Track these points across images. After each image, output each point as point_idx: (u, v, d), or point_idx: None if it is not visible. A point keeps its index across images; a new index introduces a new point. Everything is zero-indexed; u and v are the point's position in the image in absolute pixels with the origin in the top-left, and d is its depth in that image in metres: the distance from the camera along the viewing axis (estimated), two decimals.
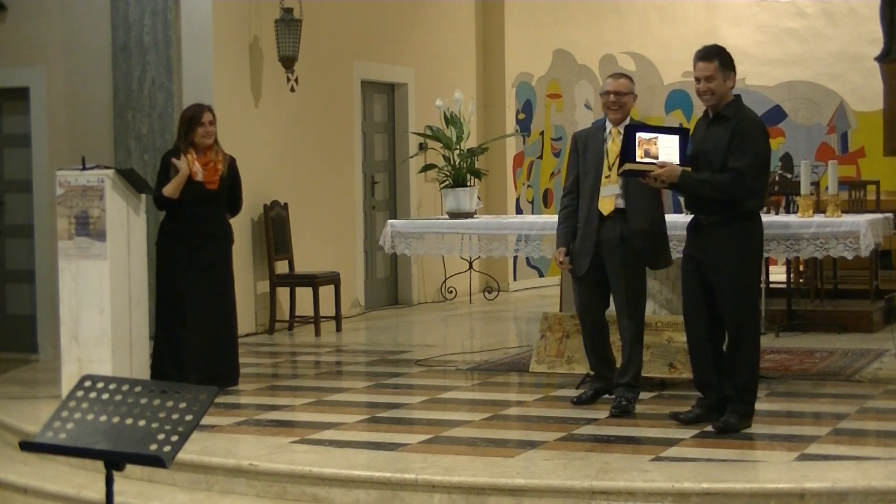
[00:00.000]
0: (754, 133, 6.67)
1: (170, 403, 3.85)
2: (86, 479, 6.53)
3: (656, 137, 6.74)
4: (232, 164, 8.39)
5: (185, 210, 8.11)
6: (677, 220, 8.06)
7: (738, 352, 6.68)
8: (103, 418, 3.86)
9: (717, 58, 6.89)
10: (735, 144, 6.60)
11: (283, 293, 11.49)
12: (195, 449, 6.29)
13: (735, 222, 6.62)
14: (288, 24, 11.39)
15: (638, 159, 6.71)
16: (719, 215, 6.65)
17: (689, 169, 6.65)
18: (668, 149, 6.70)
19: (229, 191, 8.38)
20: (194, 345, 8.05)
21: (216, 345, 8.20)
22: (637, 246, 7.18)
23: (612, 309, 7.48)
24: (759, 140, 6.66)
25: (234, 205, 8.51)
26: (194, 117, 8.15)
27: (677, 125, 8.34)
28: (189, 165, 8.06)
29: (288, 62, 11.47)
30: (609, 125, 7.30)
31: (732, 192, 6.57)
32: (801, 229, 7.76)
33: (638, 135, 6.76)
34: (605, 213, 7.21)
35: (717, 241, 6.64)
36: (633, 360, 7.25)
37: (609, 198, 7.20)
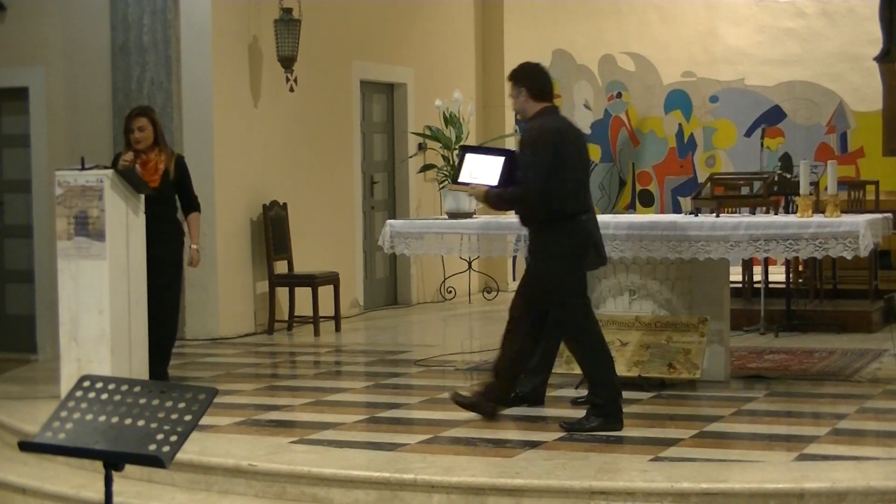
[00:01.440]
0: (533, 142, 6.95)
1: (169, 403, 3.85)
2: (85, 479, 6.53)
3: (483, 158, 7.37)
4: (179, 163, 8.40)
5: None
6: (677, 221, 8.07)
7: (573, 353, 7.01)
8: (102, 418, 3.86)
9: (513, 77, 7.28)
10: (520, 156, 7.03)
11: (282, 293, 11.49)
12: (194, 449, 6.28)
13: (544, 228, 6.92)
14: (287, 24, 11.39)
15: (463, 179, 7.34)
16: (531, 223, 7.03)
17: (498, 188, 7.10)
18: (490, 170, 7.21)
19: (179, 189, 8.38)
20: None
21: (155, 343, 8.14)
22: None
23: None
24: (538, 148, 6.87)
25: (189, 203, 8.54)
26: (126, 122, 8.34)
27: (510, 148, 8.79)
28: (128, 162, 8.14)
29: (287, 62, 11.47)
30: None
31: (520, 201, 7.00)
32: (800, 229, 7.76)
33: (467, 156, 7.40)
34: None
35: (531, 246, 7.07)
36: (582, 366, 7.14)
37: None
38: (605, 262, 7.22)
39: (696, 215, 8.48)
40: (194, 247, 8.54)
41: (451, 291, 13.80)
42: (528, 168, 6.85)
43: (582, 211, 6.97)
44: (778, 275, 11.37)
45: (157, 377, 8.11)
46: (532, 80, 7.23)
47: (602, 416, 6.76)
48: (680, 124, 16.70)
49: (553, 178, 6.82)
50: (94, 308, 7.73)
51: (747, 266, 11.34)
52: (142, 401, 3.88)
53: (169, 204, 8.41)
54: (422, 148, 12.66)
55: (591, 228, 7.00)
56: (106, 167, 7.94)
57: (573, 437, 6.64)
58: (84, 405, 3.91)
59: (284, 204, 11.59)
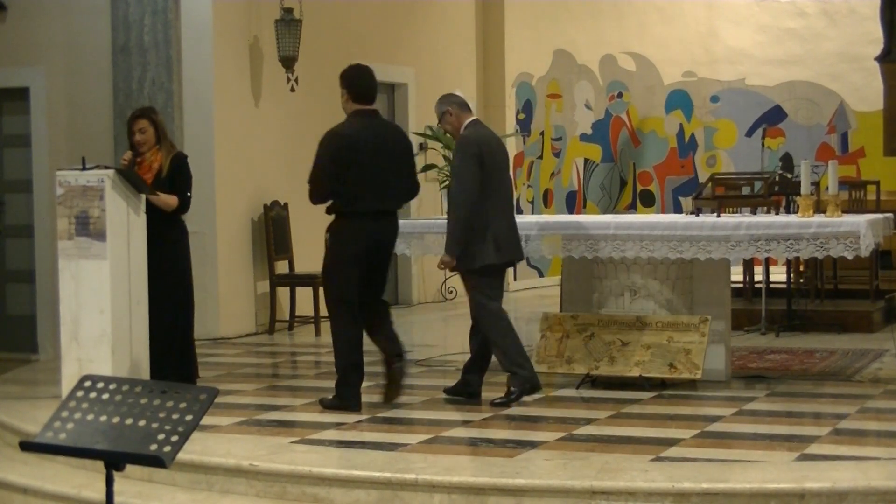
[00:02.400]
0: (319, 143, 7.80)
1: (170, 403, 3.85)
2: (86, 479, 6.53)
3: None
4: (175, 160, 8.25)
5: None
6: (677, 221, 8.08)
7: None
8: (103, 418, 3.86)
9: (340, 77, 8.17)
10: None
11: (283, 293, 11.48)
12: (195, 449, 6.28)
13: (332, 225, 7.60)
14: (288, 24, 11.39)
15: None
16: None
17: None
18: None
19: (171, 187, 8.20)
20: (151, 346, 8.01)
21: (166, 348, 8.08)
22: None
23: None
24: (320, 150, 7.70)
25: (179, 201, 8.29)
26: (128, 126, 8.30)
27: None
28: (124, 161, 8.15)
29: (288, 62, 11.47)
30: None
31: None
32: (801, 229, 7.76)
33: None
34: None
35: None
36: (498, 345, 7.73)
37: None
38: (511, 257, 7.75)
39: (697, 215, 8.49)
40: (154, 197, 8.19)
41: (451, 291, 13.79)
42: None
43: (372, 211, 7.43)
44: (779, 275, 11.37)
45: (179, 378, 7.98)
46: (352, 82, 8.08)
47: (338, 397, 7.49)
48: (681, 124, 16.71)
49: (336, 179, 7.44)
50: (95, 308, 7.73)
51: (748, 266, 11.34)
52: (143, 401, 3.88)
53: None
54: (422, 148, 12.65)
55: (379, 229, 7.50)
56: (107, 167, 7.93)
57: (573, 437, 6.64)
58: (85, 405, 3.91)
59: (285, 204, 11.59)
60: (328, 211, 7.59)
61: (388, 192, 7.55)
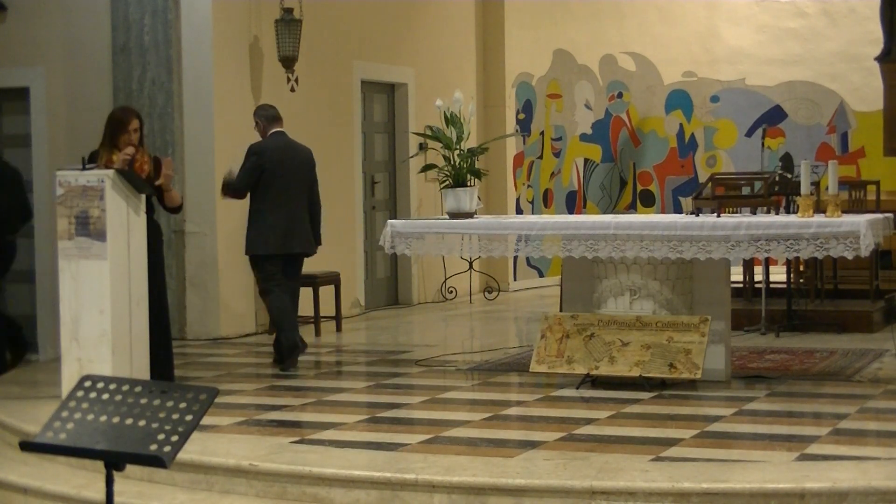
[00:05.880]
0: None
1: (170, 403, 3.85)
2: (86, 479, 6.53)
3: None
4: (155, 161, 8.25)
5: None
6: (677, 221, 8.08)
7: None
8: (103, 418, 3.86)
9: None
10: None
11: None
12: (195, 449, 6.28)
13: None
14: (288, 24, 11.40)
15: None
16: None
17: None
18: None
19: (157, 188, 8.21)
20: None
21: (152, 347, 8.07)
22: None
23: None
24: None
25: (169, 204, 8.35)
26: (122, 122, 8.14)
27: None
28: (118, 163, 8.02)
29: (288, 62, 11.47)
30: None
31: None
32: (801, 229, 7.76)
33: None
34: None
35: None
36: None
37: None
38: (286, 249, 9.25)
39: (697, 215, 8.48)
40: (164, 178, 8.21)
41: (451, 291, 13.80)
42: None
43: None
44: (779, 275, 11.37)
45: (161, 377, 8.06)
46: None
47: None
48: (681, 124, 16.71)
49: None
50: (95, 308, 7.73)
51: (748, 266, 11.34)
52: (143, 401, 3.88)
53: (151, 205, 8.31)
54: (422, 148, 12.64)
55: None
56: (107, 167, 7.93)
57: (573, 437, 6.64)
58: (85, 405, 3.92)
59: None
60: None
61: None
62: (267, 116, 9.45)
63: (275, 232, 9.21)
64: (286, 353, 9.16)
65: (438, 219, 9.33)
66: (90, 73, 10.93)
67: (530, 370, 8.34)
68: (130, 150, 8.09)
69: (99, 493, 6.11)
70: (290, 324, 9.23)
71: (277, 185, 9.25)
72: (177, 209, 8.48)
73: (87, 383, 3.99)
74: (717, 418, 7.05)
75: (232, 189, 9.34)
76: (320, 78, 12.21)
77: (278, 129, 9.43)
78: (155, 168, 8.22)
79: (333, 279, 11.42)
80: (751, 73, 16.39)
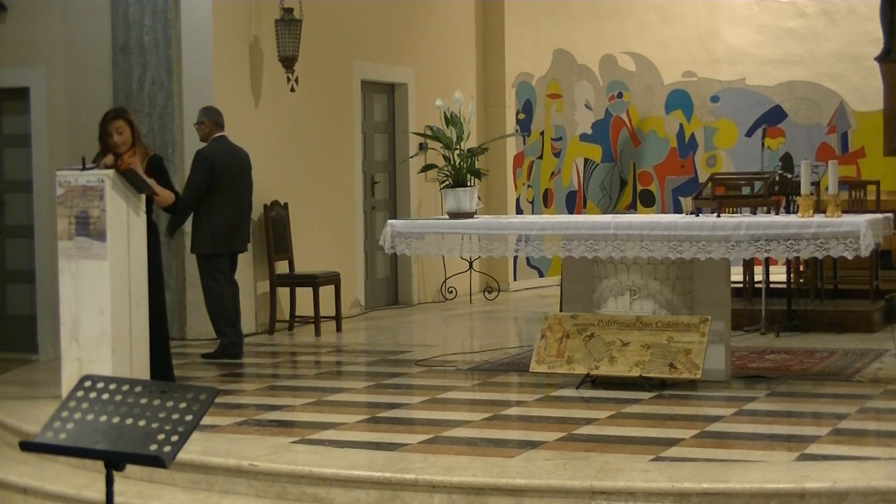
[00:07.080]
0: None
1: (170, 403, 3.85)
2: (86, 479, 6.53)
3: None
4: (153, 161, 8.19)
5: None
6: (677, 221, 8.08)
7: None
8: (103, 418, 3.86)
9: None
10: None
11: (283, 293, 11.49)
12: (195, 449, 6.29)
13: None
14: (288, 24, 11.39)
15: None
16: None
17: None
18: None
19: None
20: None
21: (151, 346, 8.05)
22: None
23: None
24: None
25: (167, 204, 8.30)
26: (102, 125, 8.08)
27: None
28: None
29: (288, 62, 11.47)
30: None
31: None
32: (801, 229, 7.76)
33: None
34: None
35: None
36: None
37: None
38: (229, 248, 9.85)
39: (697, 215, 8.49)
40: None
41: (451, 291, 13.80)
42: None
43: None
44: (779, 275, 11.37)
45: (161, 377, 8.06)
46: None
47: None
48: (681, 124, 16.71)
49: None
50: (95, 308, 7.73)
51: (748, 266, 11.34)
52: (143, 401, 3.88)
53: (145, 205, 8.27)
54: (422, 148, 12.64)
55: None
56: (107, 167, 7.93)
57: (573, 437, 6.64)
58: (85, 405, 3.92)
59: (285, 204, 11.60)
60: None
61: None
62: (216, 121, 9.95)
63: (224, 231, 9.81)
64: (223, 348, 9.78)
65: (438, 219, 9.33)
66: (90, 73, 10.93)
67: (530, 370, 8.34)
68: (110, 159, 8.00)
69: (99, 493, 6.12)
70: (230, 320, 9.83)
71: (225, 187, 9.79)
72: (171, 208, 8.44)
73: (87, 383, 3.99)
74: (717, 418, 7.05)
75: (185, 209, 9.48)
76: (320, 78, 12.21)
77: (222, 134, 9.97)
78: (149, 168, 8.15)
79: (333, 279, 11.42)
80: (751, 73, 16.39)
